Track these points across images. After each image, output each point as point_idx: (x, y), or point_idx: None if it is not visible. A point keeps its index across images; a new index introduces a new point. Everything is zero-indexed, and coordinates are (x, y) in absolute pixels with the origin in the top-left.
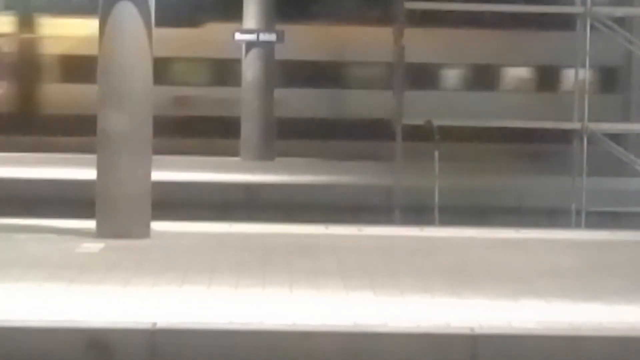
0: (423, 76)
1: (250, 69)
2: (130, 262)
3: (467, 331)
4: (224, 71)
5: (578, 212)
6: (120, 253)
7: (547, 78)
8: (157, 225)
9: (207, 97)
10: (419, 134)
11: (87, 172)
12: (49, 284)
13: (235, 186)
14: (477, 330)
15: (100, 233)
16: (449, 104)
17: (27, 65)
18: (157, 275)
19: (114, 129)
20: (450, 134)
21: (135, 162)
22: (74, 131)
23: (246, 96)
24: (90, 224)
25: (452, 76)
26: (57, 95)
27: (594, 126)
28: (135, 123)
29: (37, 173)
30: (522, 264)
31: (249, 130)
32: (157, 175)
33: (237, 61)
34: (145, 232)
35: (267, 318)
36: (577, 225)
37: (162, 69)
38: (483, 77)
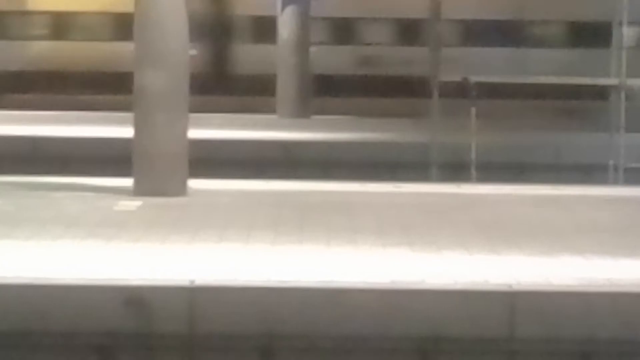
0: (460, 32)
1: (286, 26)
2: (168, 220)
3: (505, 288)
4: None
5: (616, 169)
6: (157, 211)
7: (584, 33)
8: (193, 183)
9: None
10: (456, 91)
11: (125, 130)
12: (87, 242)
13: (271, 144)
14: (515, 287)
15: (138, 191)
16: (486, 60)
17: (220, 26)
18: (195, 232)
19: (151, 87)
20: (487, 91)
21: (172, 119)
22: (267, 91)
23: (282, 54)
24: (127, 182)
25: (488, 32)
26: (249, 55)
27: (632, 82)
28: (172, 81)
29: (74, 131)
30: (560, 220)
31: (285, 87)
32: (193, 133)
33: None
34: (182, 190)
35: (305, 275)
36: (615, 182)
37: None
38: (520, 33)
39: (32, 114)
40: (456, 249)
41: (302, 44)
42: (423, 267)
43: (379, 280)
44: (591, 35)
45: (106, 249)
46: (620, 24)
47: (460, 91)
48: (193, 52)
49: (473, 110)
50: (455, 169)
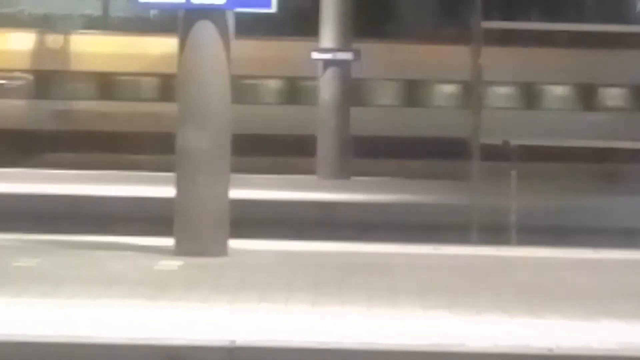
0: (500, 95)
1: (327, 87)
2: (208, 280)
3: (546, 352)
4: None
5: None
6: (198, 271)
7: (625, 97)
8: (234, 243)
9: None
10: (496, 153)
11: (166, 190)
12: (128, 301)
13: (311, 204)
14: (556, 351)
15: (179, 251)
16: (526, 123)
17: None
18: (235, 293)
19: (193, 147)
20: (528, 154)
21: (214, 180)
22: None
23: (323, 114)
24: (168, 242)
25: (529, 95)
26: None
27: None
28: (214, 141)
29: (115, 190)
30: (601, 284)
31: (325, 148)
32: (234, 193)
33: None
34: (222, 250)
35: (345, 337)
36: None
37: None
38: (560, 96)
39: (72, 173)
40: (496, 312)
41: (342, 105)
42: (463, 330)
43: (419, 342)
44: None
45: (147, 309)
46: None
47: (500, 154)
48: None
49: (513, 172)
50: (495, 232)
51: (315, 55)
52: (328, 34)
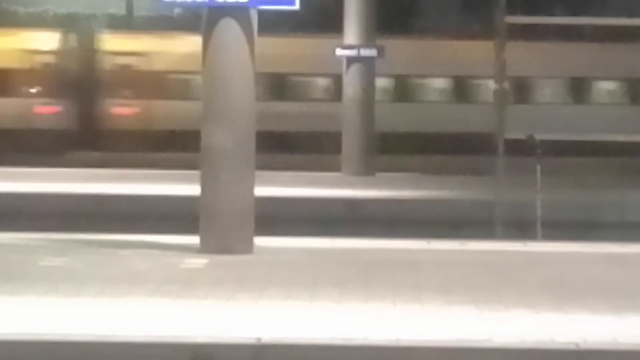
0: (525, 90)
1: (351, 84)
2: (234, 277)
3: (573, 347)
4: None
5: None
6: (223, 268)
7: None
8: (259, 241)
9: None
10: (521, 148)
11: (191, 188)
12: (154, 299)
13: (336, 201)
14: (582, 346)
15: (204, 248)
16: (551, 117)
17: None
18: (261, 290)
19: (218, 145)
20: (553, 148)
21: (239, 177)
22: None
23: (347, 111)
24: (194, 240)
25: (553, 90)
26: None
27: None
28: (239, 139)
29: (141, 189)
30: (627, 279)
31: (350, 145)
32: (259, 191)
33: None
34: (248, 248)
35: (371, 333)
36: None
37: None
38: (584, 91)
39: (97, 171)
40: (522, 307)
41: (367, 102)
42: (489, 326)
43: (445, 338)
44: None
45: (173, 306)
46: None
47: (525, 149)
48: None
49: (538, 167)
50: (520, 227)
51: (339, 52)
52: (352, 30)
